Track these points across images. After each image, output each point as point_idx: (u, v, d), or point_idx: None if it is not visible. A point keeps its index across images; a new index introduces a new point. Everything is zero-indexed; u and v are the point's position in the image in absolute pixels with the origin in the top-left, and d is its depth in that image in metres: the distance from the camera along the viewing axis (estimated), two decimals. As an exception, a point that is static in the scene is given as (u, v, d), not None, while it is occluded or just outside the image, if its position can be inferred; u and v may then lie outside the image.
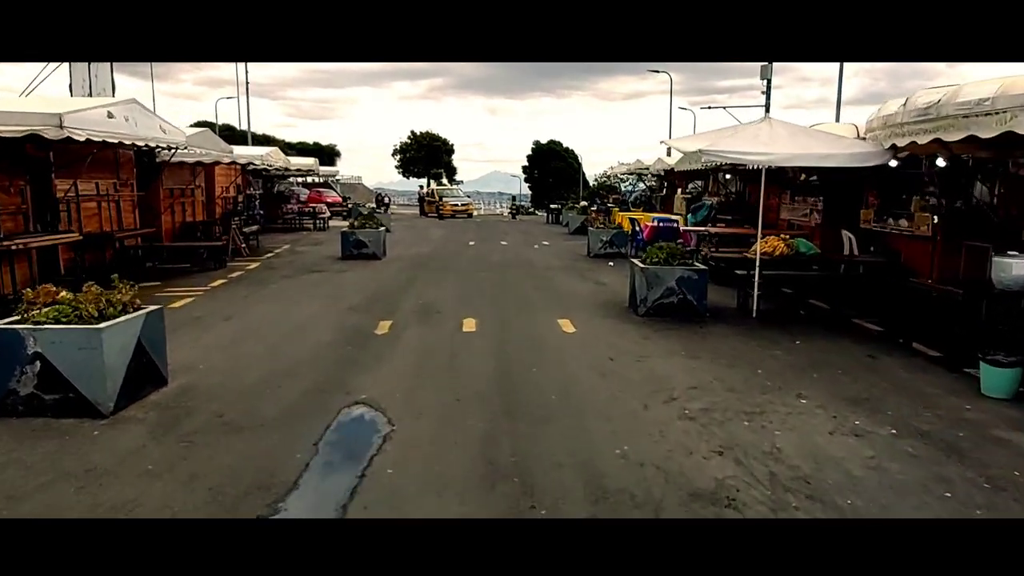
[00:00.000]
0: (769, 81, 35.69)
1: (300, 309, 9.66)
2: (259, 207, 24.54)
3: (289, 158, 22.34)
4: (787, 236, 9.52)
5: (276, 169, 23.82)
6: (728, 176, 23.28)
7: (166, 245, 15.24)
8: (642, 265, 9.34)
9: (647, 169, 27.37)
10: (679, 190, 27.64)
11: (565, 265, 15.26)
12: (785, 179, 16.80)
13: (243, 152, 16.26)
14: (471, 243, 20.87)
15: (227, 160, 15.46)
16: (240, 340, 7.76)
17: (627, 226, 18.64)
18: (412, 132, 72.05)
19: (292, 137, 76.10)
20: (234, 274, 13.29)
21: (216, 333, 8.12)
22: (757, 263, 9.24)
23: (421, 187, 45.79)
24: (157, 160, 14.62)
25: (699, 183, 26.22)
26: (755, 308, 9.34)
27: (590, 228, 17.05)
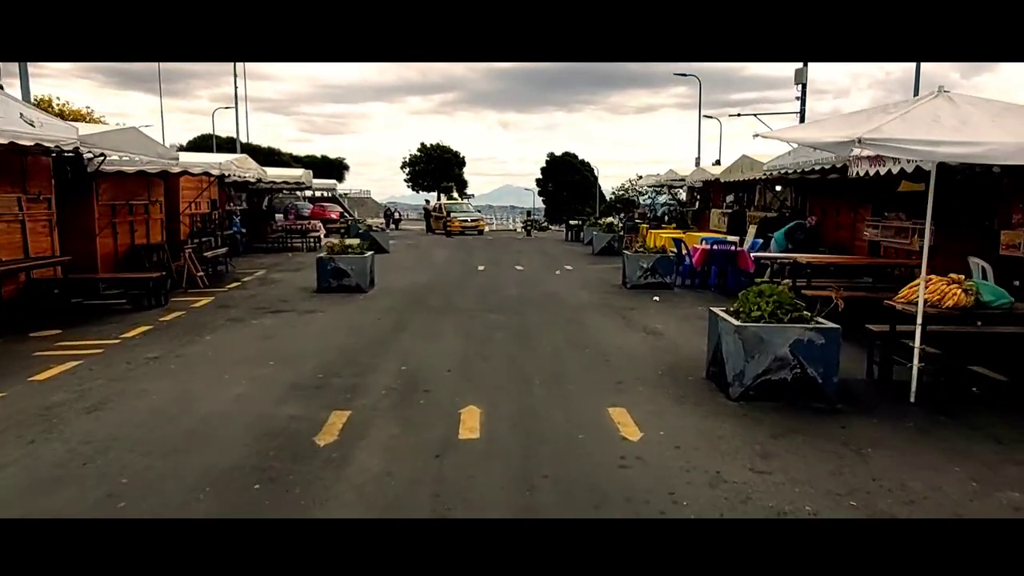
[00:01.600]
0: (804, 85, 32.92)
1: (220, 386, 6.47)
2: (240, 224, 21.57)
3: (267, 168, 19.28)
4: (960, 277, 6.22)
5: (262, 181, 20.84)
6: (779, 188, 20.06)
7: (100, 277, 12.17)
8: (736, 322, 6.07)
9: (682, 180, 24.07)
10: (711, 205, 24.33)
11: (599, 301, 11.99)
12: (865, 187, 13.57)
13: (193, 160, 13.19)
14: (480, 268, 17.65)
15: (176, 169, 12.39)
16: (76, 467, 4.54)
17: (669, 247, 15.36)
18: (422, 144, 69.53)
19: (306, 151, 73.46)
20: (170, 316, 10.16)
21: (53, 445, 4.91)
22: (919, 319, 5.94)
23: (427, 201, 42.72)
24: (88, 170, 11.64)
25: (735, 196, 22.92)
26: (913, 389, 6.03)
27: (626, 253, 13.78)
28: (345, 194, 75.38)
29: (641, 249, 13.56)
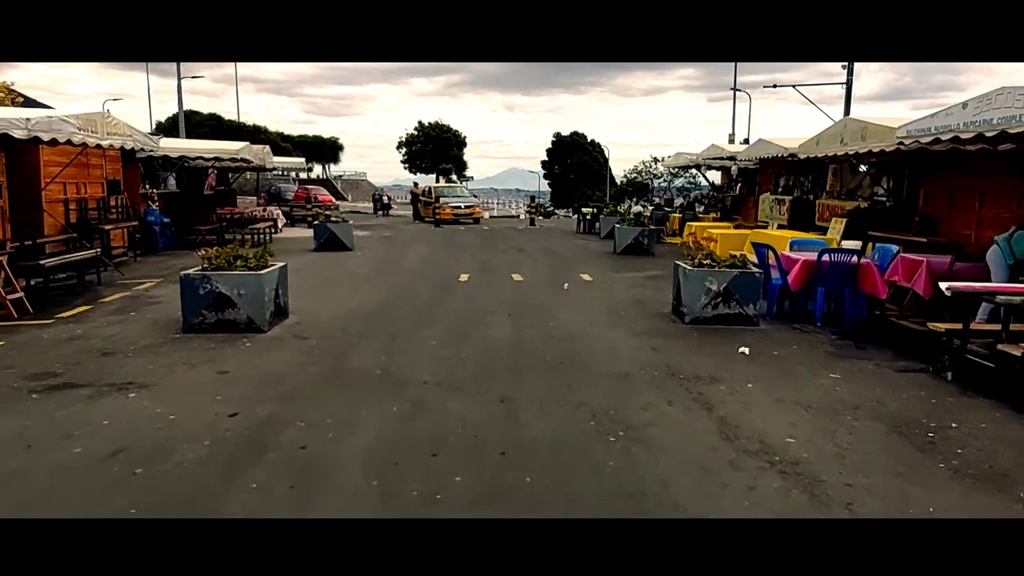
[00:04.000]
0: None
1: None
2: (158, 214, 16.65)
3: (186, 141, 14.22)
4: None
5: (148, 151, 15.85)
6: (864, 168, 14.92)
7: None
8: None
9: (731, 159, 18.91)
10: (758, 189, 19.20)
11: (649, 357, 7.00)
12: (1001, 161, 8.83)
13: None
14: (463, 278, 12.63)
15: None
16: None
17: (749, 253, 10.23)
18: (419, 123, 64.70)
19: (309, 132, 68.42)
20: None
21: None
22: None
23: (415, 184, 37.63)
24: None
25: (792, 180, 17.81)
26: None
27: (683, 267, 8.74)
28: (339, 176, 70.36)
29: (708, 262, 8.52)
